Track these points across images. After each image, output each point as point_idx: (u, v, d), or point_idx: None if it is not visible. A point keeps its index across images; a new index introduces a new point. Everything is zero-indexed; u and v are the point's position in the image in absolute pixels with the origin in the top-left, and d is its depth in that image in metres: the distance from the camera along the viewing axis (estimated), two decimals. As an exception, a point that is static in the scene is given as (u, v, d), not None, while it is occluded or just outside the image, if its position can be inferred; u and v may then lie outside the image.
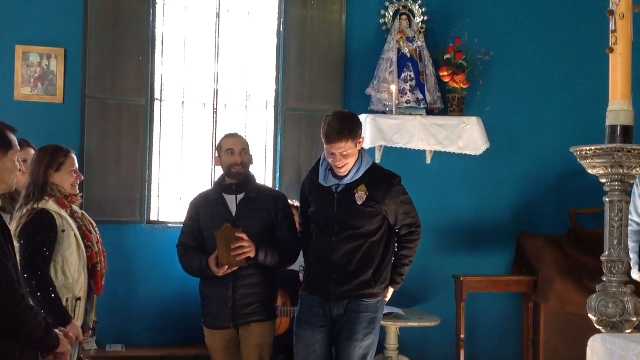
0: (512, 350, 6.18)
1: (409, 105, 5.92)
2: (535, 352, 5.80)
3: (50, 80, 5.66)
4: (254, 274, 4.15)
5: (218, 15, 6.13)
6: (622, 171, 2.97)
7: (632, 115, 3.04)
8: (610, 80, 3.07)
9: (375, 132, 5.64)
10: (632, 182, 3.04)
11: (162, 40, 6.01)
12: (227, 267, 4.01)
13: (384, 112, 5.88)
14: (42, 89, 5.65)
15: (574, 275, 5.49)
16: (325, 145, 3.87)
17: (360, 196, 3.90)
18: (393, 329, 5.59)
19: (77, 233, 3.73)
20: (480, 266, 6.06)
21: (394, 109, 5.77)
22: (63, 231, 3.67)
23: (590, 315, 2.99)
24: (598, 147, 2.96)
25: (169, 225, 5.88)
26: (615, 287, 2.98)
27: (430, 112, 5.99)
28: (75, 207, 3.88)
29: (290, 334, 4.93)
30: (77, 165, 3.91)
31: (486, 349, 6.18)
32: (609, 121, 3.06)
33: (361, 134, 3.92)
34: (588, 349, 2.68)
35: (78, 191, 3.91)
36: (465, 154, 5.99)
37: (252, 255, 4.01)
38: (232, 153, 4.19)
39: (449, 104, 6.04)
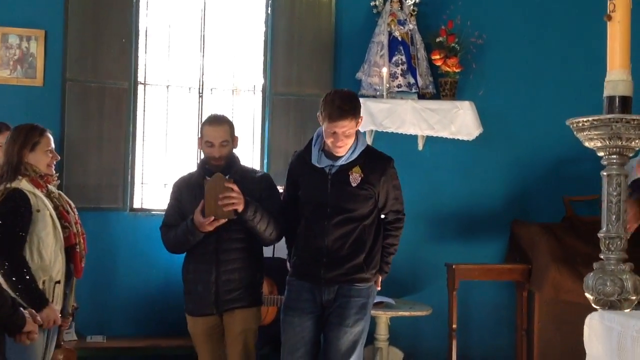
0: (505, 340, 6.03)
1: (400, 89, 5.77)
2: (529, 342, 5.66)
3: (29, 62, 5.49)
4: (237, 258, 3.99)
5: (204, -3, 5.98)
6: (620, 143, 2.81)
7: (630, 85, 2.88)
8: (608, 49, 2.92)
9: (365, 116, 5.42)
10: (630, 155, 2.88)
11: (147, 22, 5.84)
12: (213, 218, 3.78)
13: (374, 97, 5.72)
14: (22, 71, 5.48)
15: (569, 263, 5.35)
16: (326, 124, 3.70)
17: (355, 178, 3.77)
18: (383, 318, 5.43)
19: (53, 213, 3.59)
20: (472, 255, 5.91)
21: (384, 93, 5.61)
22: (38, 211, 3.53)
23: (587, 295, 2.83)
24: (595, 117, 2.81)
25: (153, 212, 5.71)
26: (613, 264, 2.82)
27: (422, 96, 5.84)
28: (52, 187, 3.73)
29: (276, 324, 4.77)
30: (53, 145, 3.77)
31: (479, 339, 6.03)
32: (606, 92, 2.90)
33: (360, 113, 3.80)
34: (585, 327, 2.53)
35: (54, 171, 3.77)
36: (458, 140, 5.85)
37: (240, 208, 3.78)
38: (212, 146, 3.97)
39: (441, 89, 5.90)
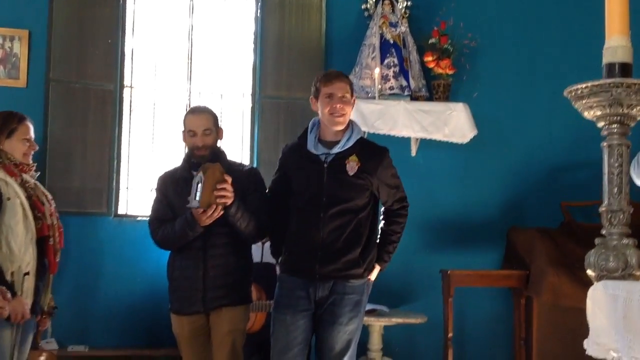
0: (503, 350, 5.83)
1: (392, 91, 5.65)
2: (528, 351, 5.45)
3: (12, 63, 5.37)
4: (225, 253, 3.82)
5: (192, -1, 5.88)
6: (621, 110, 2.65)
7: (630, 51, 2.73)
8: (606, 15, 2.78)
9: (356, 117, 5.30)
10: (632, 124, 2.72)
11: (133, 24, 5.73)
12: (213, 205, 3.61)
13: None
14: (4, 72, 5.38)
15: (567, 267, 5.18)
16: (322, 90, 3.62)
17: (352, 167, 3.62)
18: (377, 327, 5.24)
19: (25, 202, 3.43)
20: (468, 263, 5.72)
21: (376, 94, 5.48)
22: (8, 199, 3.38)
23: (588, 271, 2.65)
24: (595, 82, 2.65)
25: (138, 218, 5.55)
26: (616, 239, 2.64)
27: (414, 99, 5.71)
28: (27, 177, 3.57)
29: (265, 331, 4.58)
30: (32, 135, 3.64)
31: (476, 349, 5.83)
32: (605, 59, 2.75)
33: (354, 94, 3.73)
34: (588, 300, 2.36)
35: (31, 161, 3.62)
36: (452, 145, 5.71)
37: (229, 201, 3.64)
38: (194, 135, 3.83)
39: (434, 91, 5.78)
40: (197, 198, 3.58)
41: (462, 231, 5.96)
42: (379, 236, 3.82)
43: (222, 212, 3.66)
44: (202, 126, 3.82)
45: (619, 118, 2.69)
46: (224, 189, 3.61)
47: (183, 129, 3.93)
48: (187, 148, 3.96)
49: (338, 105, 3.59)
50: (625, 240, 2.65)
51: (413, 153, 5.90)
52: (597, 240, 2.71)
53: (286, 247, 3.80)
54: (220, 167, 3.65)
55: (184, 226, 3.74)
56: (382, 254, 3.77)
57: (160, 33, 5.85)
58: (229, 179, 3.65)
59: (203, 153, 3.83)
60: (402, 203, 3.81)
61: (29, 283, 3.43)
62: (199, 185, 3.58)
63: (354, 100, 3.73)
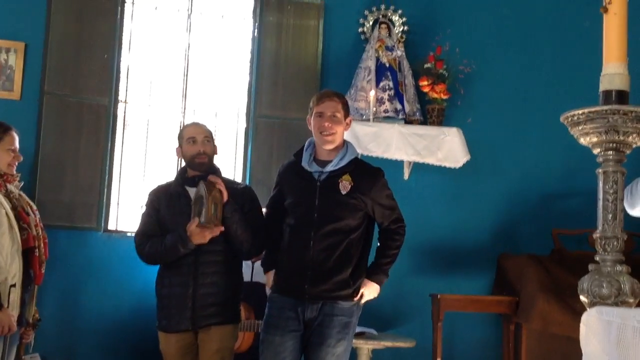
0: (492, 377, 5.80)
1: (387, 114, 5.66)
2: (517, 379, 5.43)
3: (7, 75, 5.36)
4: (216, 271, 3.79)
5: (190, 17, 5.89)
6: (617, 137, 2.66)
7: (627, 79, 2.74)
8: (604, 42, 2.79)
9: (350, 139, 5.26)
10: (627, 151, 2.73)
11: (130, 40, 5.74)
12: (216, 227, 3.66)
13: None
14: (-1, 83, 5.35)
15: (558, 294, 5.16)
16: (314, 108, 3.64)
17: (345, 185, 3.60)
18: (365, 350, 5.18)
19: (10, 213, 3.40)
20: (458, 288, 5.70)
21: (371, 117, 5.49)
22: None
23: (582, 297, 2.64)
24: (591, 109, 2.66)
25: (128, 234, 5.51)
26: (609, 265, 2.64)
27: (408, 123, 5.72)
28: (12, 187, 3.54)
29: (253, 351, 4.54)
30: (17, 145, 3.63)
31: (464, 375, 5.79)
32: (602, 86, 2.76)
33: (349, 115, 3.73)
34: (582, 325, 2.34)
35: (15, 172, 3.59)
36: (445, 170, 5.72)
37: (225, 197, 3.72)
38: (194, 142, 3.85)
39: (428, 115, 5.80)
40: (203, 215, 3.61)
41: (453, 256, 5.95)
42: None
43: (215, 234, 3.67)
44: (202, 133, 3.88)
45: (614, 145, 2.69)
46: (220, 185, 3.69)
47: (179, 143, 3.94)
48: (185, 159, 3.93)
49: (326, 124, 3.59)
50: (618, 267, 2.65)
51: (406, 176, 5.90)
52: (590, 267, 2.70)
53: (278, 266, 3.77)
54: (223, 187, 3.71)
55: (175, 242, 3.72)
56: (375, 269, 3.70)
57: (157, 50, 5.85)
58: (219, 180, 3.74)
59: (203, 160, 3.84)
60: (397, 224, 3.76)
61: (15, 295, 3.40)
62: (204, 202, 3.61)
63: (349, 121, 3.72)
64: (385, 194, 3.72)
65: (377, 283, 3.70)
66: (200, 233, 3.66)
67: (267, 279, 3.82)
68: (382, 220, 3.72)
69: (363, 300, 3.69)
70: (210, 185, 3.66)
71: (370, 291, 3.69)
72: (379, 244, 3.78)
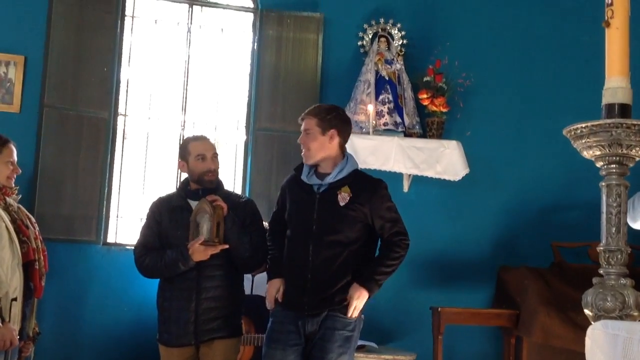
0: (492, 392, 5.79)
1: (386, 127, 5.68)
2: (518, 393, 5.41)
3: (7, 88, 5.34)
4: (219, 286, 3.79)
5: (189, 30, 5.90)
6: (620, 151, 2.66)
7: (630, 93, 2.76)
8: (607, 56, 2.80)
9: (349, 151, 5.30)
10: (630, 165, 2.73)
11: (130, 53, 5.74)
12: (219, 245, 3.70)
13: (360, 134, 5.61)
14: (-2, 97, 5.34)
15: (559, 308, 5.16)
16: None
17: (343, 197, 3.60)
18: (365, 364, 5.18)
19: (10, 226, 3.40)
20: (458, 301, 5.70)
21: (370, 130, 5.50)
22: None
23: (586, 311, 2.64)
24: (594, 123, 2.67)
25: (127, 247, 5.48)
26: (613, 279, 2.64)
27: (408, 136, 5.73)
28: (10, 200, 3.53)
29: (253, 365, 4.54)
30: (15, 158, 3.63)
31: (465, 389, 5.78)
32: (605, 100, 2.77)
33: (335, 126, 3.68)
34: (587, 339, 2.33)
35: (14, 185, 3.59)
36: (444, 183, 5.73)
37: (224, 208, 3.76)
38: (204, 159, 3.86)
39: (427, 129, 5.81)
40: (208, 232, 3.65)
41: (453, 268, 5.95)
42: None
43: (216, 251, 3.69)
44: (211, 150, 3.90)
45: (618, 158, 2.70)
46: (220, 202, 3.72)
47: (183, 156, 3.93)
48: (192, 175, 3.91)
49: (300, 140, 3.68)
50: (622, 280, 2.65)
51: (405, 189, 5.91)
52: (594, 280, 2.70)
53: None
54: (225, 206, 3.75)
55: (176, 259, 3.73)
56: (367, 276, 3.57)
57: (157, 63, 5.85)
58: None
59: (212, 178, 3.86)
60: (399, 236, 3.67)
61: (17, 309, 3.38)
62: (209, 219, 3.65)
63: (333, 135, 3.67)
64: (386, 205, 3.67)
65: (367, 290, 3.56)
66: (203, 251, 3.67)
67: (268, 289, 3.75)
68: (382, 232, 3.68)
69: (356, 313, 3.58)
70: (213, 207, 3.69)
71: (361, 299, 3.56)
72: (379, 252, 3.73)
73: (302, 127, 3.70)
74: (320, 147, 3.66)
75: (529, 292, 5.33)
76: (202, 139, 3.98)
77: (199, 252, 3.68)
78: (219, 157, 3.97)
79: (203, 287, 3.76)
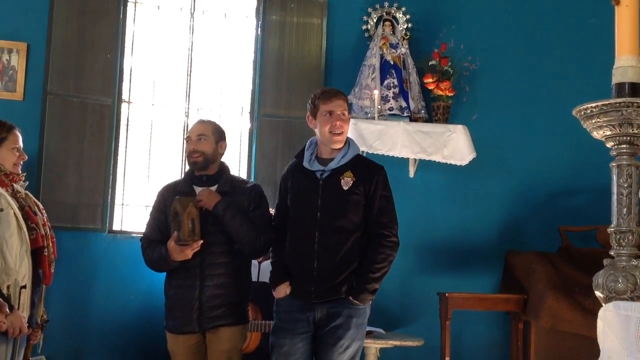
0: (500, 376, 5.76)
1: (391, 112, 5.63)
2: (525, 377, 5.39)
3: (10, 75, 5.31)
4: (223, 273, 3.74)
5: (192, 16, 5.86)
6: (631, 130, 2.63)
7: (640, 71, 2.72)
8: (616, 35, 2.77)
9: (355, 137, 5.26)
10: (641, 145, 2.69)
11: (133, 39, 5.70)
12: (194, 243, 3.61)
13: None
14: (1, 84, 5.31)
15: (567, 292, 5.13)
16: (322, 107, 3.60)
17: (347, 182, 3.57)
18: (373, 349, 5.14)
19: (18, 213, 3.35)
20: (465, 286, 5.67)
21: (375, 115, 5.46)
22: (1, 210, 3.30)
23: (597, 293, 2.62)
24: (605, 102, 2.63)
25: (133, 235, 5.46)
26: (624, 260, 2.61)
27: (413, 121, 5.69)
28: (18, 187, 3.51)
29: (261, 351, 4.50)
30: (21, 144, 3.59)
31: (472, 374, 5.76)
32: (615, 79, 2.74)
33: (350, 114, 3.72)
34: (599, 320, 2.31)
35: (20, 171, 3.56)
36: (450, 167, 5.68)
37: (207, 205, 3.70)
38: (189, 140, 3.84)
39: (433, 113, 5.77)
40: (180, 233, 3.58)
41: (460, 254, 5.92)
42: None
43: (196, 249, 3.63)
44: (197, 132, 3.83)
45: (628, 138, 2.67)
46: (200, 195, 3.69)
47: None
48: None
49: (338, 123, 3.57)
50: (634, 262, 2.62)
51: (411, 174, 5.87)
52: (605, 261, 2.67)
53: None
54: (196, 202, 3.65)
55: (160, 258, 3.73)
56: (360, 286, 3.50)
57: (160, 49, 5.82)
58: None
59: (196, 159, 3.79)
60: (381, 230, 3.57)
61: (26, 296, 3.36)
62: (180, 219, 3.57)
63: (349, 119, 3.71)
64: (380, 193, 3.61)
65: (361, 302, 3.54)
66: (180, 251, 3.62)
67: (277, 296, 3.69)
68: (369, 220, 3.58)
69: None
70: (184, 201, 3.60)
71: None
72: (366, 256, 3.57)
73: (335, 110, 3.58)
74: (347, 132, 3.66)
75: (536, 277, 5.30)
76: (198, 122, 3.95)
77: (175, 252, 3.63)
78: (217, 140, 3.84)
79: (207, 274, 3.72)
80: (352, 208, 3.56)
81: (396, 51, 5.77)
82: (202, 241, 3.64)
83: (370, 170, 3.65)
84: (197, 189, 3.82)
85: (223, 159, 3.95)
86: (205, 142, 3.80)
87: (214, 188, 3.81)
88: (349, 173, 3.59)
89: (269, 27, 5.83)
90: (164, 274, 3.90)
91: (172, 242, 3.63)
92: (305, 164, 3.65)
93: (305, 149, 3.73)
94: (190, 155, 3.81)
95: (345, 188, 3.56)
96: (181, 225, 3.56)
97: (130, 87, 5.68)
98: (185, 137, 3.92)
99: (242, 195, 3.81)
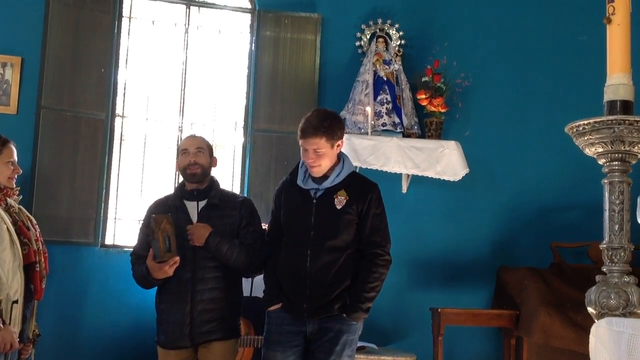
0: (492, 393, 5.76)
1: (385, 128, 5.66)
2: (518, 394, 5.38)
3: (4, 89, 5.32)
4: (214, 287, 3.73)
5: (187, 31, 5.89)
6: (622, 148, 2.66)
7: (632, 89, 2.76)
8: (608, 53, 2.80)
9: (349, 152, 5.29)
10: (633, 162, 2.72)
11: (127, 54, 5.72)
12: (170, 260, 3.59)
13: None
14: (-5, 98, 5.31)
15: (559, 308, 5.14)
16: (299, 141, 3.56)
17: (340, 200, 3.57)
18: (365, 365, 5.15)
19: (11, 228, 3.35)
20: (457, 302, 5.67)
21: (369, 130, 5.48)
22: None
23: (589, 309, 2.63)
24: (597, 119, 2.66)
25: (125, 249, 5.44)
26: (617, 276, 2.63)
27: (406, 137, 5.71)
28: (11, 201, 3.50)
29: (252, 367, 4.49)
30: (15, 158, 3.58)
31: (465, 391, 5.75)
32: (607, 96, 2.77)
33: (341, 136, 3.61)
34: (591, 336, 2.32)
35: (15, 185, 3.55)
36: (443, 183, 5.71)
37: (197, 242, 3.68)
38: (186, 153, 3.83)
39: (426, 129, 5.80)
40: (156, 251, 3.57)
41: (452, 269, 5.93)
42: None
43: (174, 266, 3.62)
44: (194, 144, 3.85)
45: (620, 155, 2.70)
46: (190, 231, 3.68)
47: (177, 156, 3.93)
48: (180, 172, 3.90)
49: (310, 160, 3.55)
50: (626, 278, 2.64)
51: (404, 190, 5.89)
52: (597, 278, 2.69)
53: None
54: (170, 219, 3.64)
55: (142, 277, 3.74)
56: (353, 305, 3.51)
57: (154, 64, 5.83)
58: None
59: (195, 171, 3.80)
60: (374, 249, 3.57)
61: (17, 311, 3.35)
62: (155, 237, 3.56)
63: (339, 144, 3.62)
64: (374, 211, 3.60)
65: (355, 320, 3.55)
66: (158, 269, 3.62)
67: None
68: (360, 238, 3.58)
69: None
70: (158, 218, 3.59)
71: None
72: (358, 275, 3.57)
73: (308, 147, 3.53)
74: (330, 161, 3.60)
75: (528, 293, 5.31)
76: (190, 136, 4.00)
77: (154, 270, 3.64)
78: (212, 154, 3.90)
79: (198, 289, 3.71)
80: (345, 227, 3.56)
81: (389, 67, 5.81)
82: (178, 257, 3.62)
83: (363, 189, 3.64)
84: (188, 204, 3.83)
85: (214, 173, 3.97)
86: (202, 155, 3.84)
87: (203, 202, 3.82)
88: (342, 192, 3.58)
89: (263, 42, 5.86)
90: (153, 289, 3.90)
91: (149, 260, 3.63)
92: (300, 182, 3.64)
93: (299, 166, 3.72)
94: (188, 167, 3.80)
95: (339, 207, 3.56)
96: (156, 243, 3.55)
97: (124, 101, 5.70)
98: (180, 150, 3.89)
99: (232, 210, 3.81)
